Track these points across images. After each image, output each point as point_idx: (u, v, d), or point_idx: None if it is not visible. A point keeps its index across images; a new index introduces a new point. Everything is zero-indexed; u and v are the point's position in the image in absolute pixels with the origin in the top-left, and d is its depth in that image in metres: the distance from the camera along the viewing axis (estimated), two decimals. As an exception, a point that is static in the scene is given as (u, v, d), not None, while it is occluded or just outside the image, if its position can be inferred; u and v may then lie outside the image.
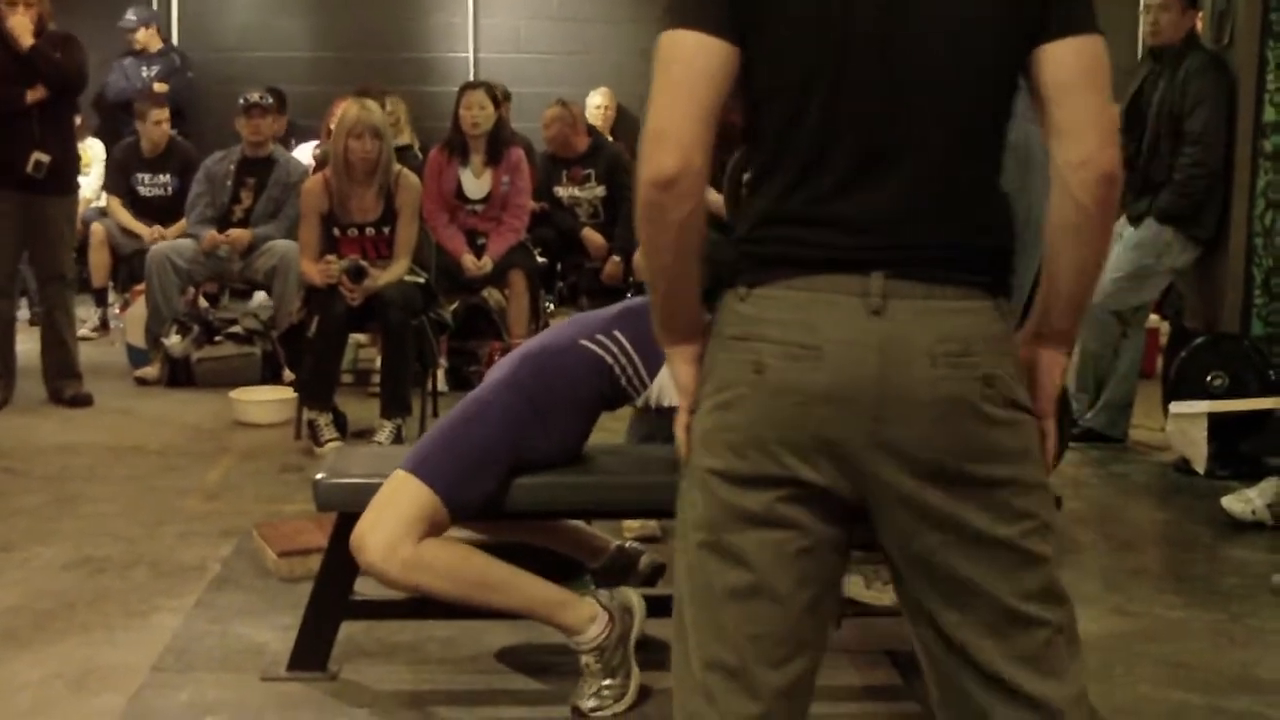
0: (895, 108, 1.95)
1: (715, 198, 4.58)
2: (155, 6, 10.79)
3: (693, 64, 1.95)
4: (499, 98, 7.84)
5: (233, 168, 7.78)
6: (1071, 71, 1.99)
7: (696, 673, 2.06)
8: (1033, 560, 2.01)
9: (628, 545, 3.85)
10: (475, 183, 7.64)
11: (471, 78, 10.91)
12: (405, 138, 8.28)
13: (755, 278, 1.97)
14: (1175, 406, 5.56)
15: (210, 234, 7.57)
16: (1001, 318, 2.00)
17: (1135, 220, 6.22)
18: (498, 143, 7.63)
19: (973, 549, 1.99)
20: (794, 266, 1.95)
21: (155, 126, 8.55)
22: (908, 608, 2.09)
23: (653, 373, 3.39)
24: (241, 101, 7.85)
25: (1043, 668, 2.02)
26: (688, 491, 2.06)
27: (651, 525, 4.50)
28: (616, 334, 3.40)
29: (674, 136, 1.94)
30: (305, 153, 8.79)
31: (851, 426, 1.93)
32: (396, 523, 3.20)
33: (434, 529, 3.24)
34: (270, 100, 7.86)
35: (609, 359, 3.38)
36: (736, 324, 1.98)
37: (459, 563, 3.25)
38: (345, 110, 6.30)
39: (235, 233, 7.58)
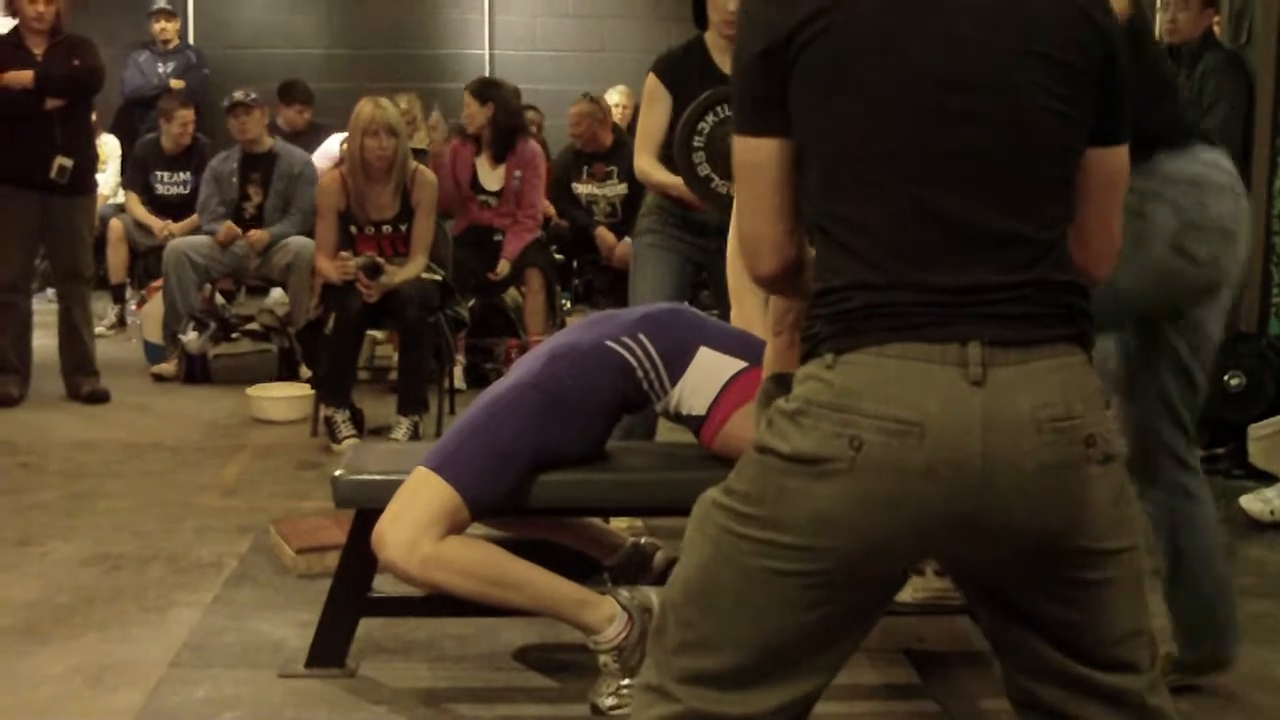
0: (974, 172, 1.96)
1: (669, 179, 4.57)
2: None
3: (756, 171, 2.08)
4: (492, 95, 7.78)
5: (236, 166, 7.82)
6: (1099, 179, 2.09)
7: (677, 674, 2.05)
8: (1126, 593, 2.04)
9: (643, 542, 3.84)
10: (490, 174, 7.65)
11: (487, 75, 10.92)
12: (421, 138, 8.27)
13: (843, 344, 1.94)
14: (1255, 430, 5.50)
15: (226, 224, 7.60)
16: (1092, 369, 2.01)
17: (1153, 218, 6.21)
18: (502, 138, 7.63)
19: (1069, 593, 2.01)
20: (885, 333, 1.92)
21: (182, 127, 8.57)
22: (991, 630, 2.15)
23: (674, 380, 3.38)
24: (226, 102, 7.91)
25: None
26: (738, 524, 1.99)
27: (638, 524, 4.48)
28: (641, 338, 3.38)
29: (766, 240, 2.10)
30: (334, 144, 8.77)
31: (954, 503, 1.90)
32: (417, 520, 3.19)
33: (455, 527, 3.23)
34: (254, 97, 7.83)
35: (633, 361, 3.36)
36: (825, 392, 1.92)
37: (479, 561, 3.25)
38: (360, 109, 6.30)
39: (254, 234, 7.60)
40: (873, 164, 1.96)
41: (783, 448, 1.94)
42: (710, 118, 4.28)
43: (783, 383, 2.11)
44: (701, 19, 4.69)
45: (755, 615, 1.99)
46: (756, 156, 2.07)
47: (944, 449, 1.88)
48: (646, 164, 4.72)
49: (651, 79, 4.74)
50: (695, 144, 4.34)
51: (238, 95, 7.82)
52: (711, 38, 4.64)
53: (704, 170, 4.32)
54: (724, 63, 4.50)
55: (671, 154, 4.50)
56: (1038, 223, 1.98)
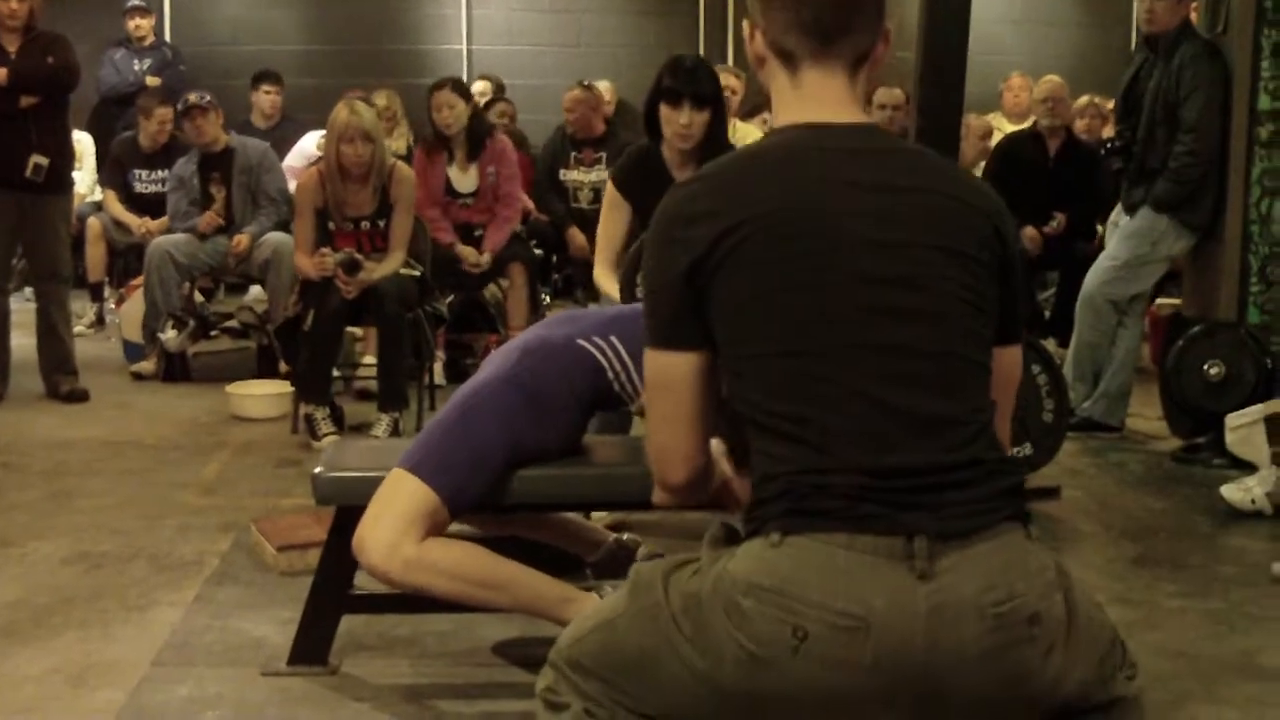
0: (906, 362, 2.01)
1: (616, 295, 4.59)
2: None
3: (673, 384, 2.13)
4: (470, 94, 7.80)
5: (195, 168, 7.80)
6: (998, 378, 2.15)
7: (594, 690, 2.12)
8: (1087, 649, 2.07)
9: (626, 538, 3.84)
10: (463, 177, 7.61)
11: (465, 70, 10.91)
12: (401, 134, 8.22)
13: (790, 525, 1.96)
14: (1232, 419, 5.53)
15: (207, 215, 7.59)
16: (1032, 540, 2.04)
17: (1131, 209, 6.23)
18: (476, 136, 7.60)
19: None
20: (833, 521, 1.94)
21: (160, 125, 8.54)
22: None
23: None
24: (180, 105, 7.90)
25: None
26: (681, 648, 2.03)
27: (618, 516, 4.49)
28: (613, 339, 3.37)
29: (676, 452, 2.16)
30: (310, 141, 8.75)
31: (894, 691, 1.93)
32: (396, 522, 3.17)
33: (435, 527, 3.21)
34: (208, 99, 7.80)
35: (603, 360, 3.35)
36: (768, 574, 1.94)
37: (461, 562, 3.22)
38: (336, 115, 6.25)
39: (238, 239, 7.57)
40: (809, 360, 2.00)
41: (726, 631, 1.97)
42: None
43: (730, 533, 2.13)
44: (654, 130, 4.71)
45: (680, 702, 2.05)
46: (672, 371, 2.11)
47: (888, 644, 1.90)
48: (601, 275, 4.82)
49: (610, 189, 4.87)
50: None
51: (192, 98, 7.80)
52: (666, 151, 4.69)
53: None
54: (680, 176, 4.57)
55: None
56: (969, 406, 2.04)
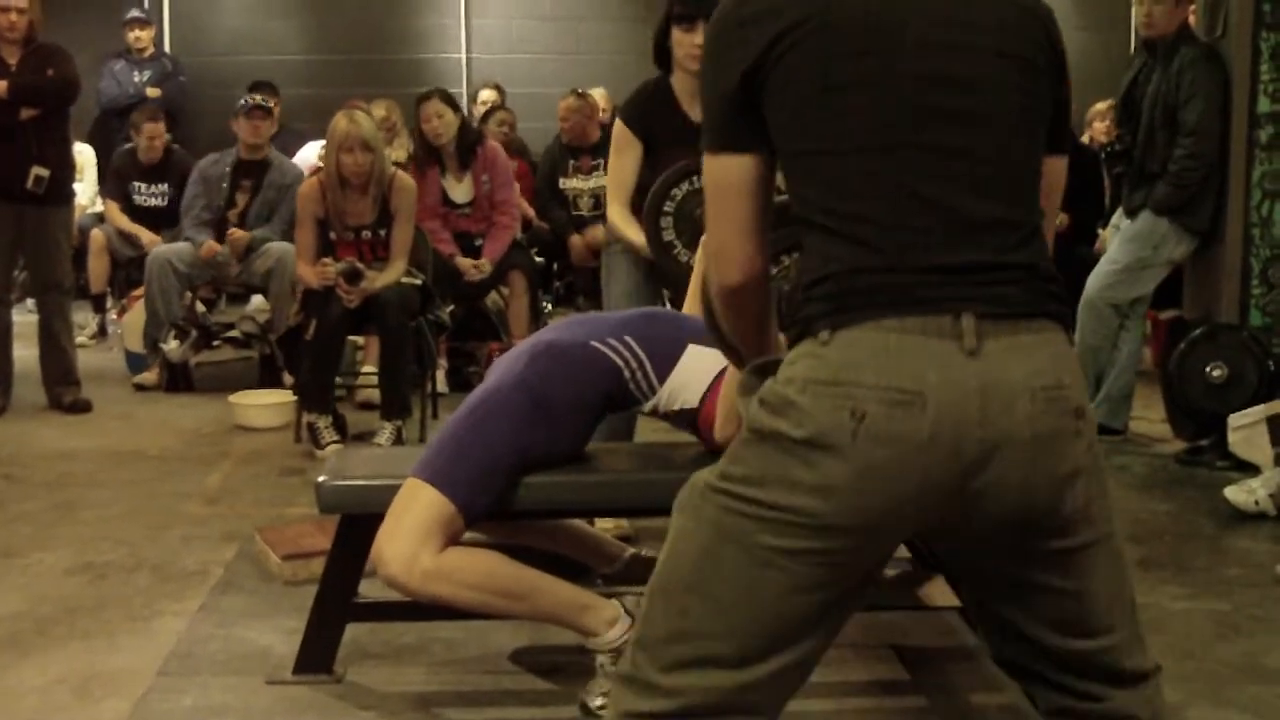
0: (962, 163, 2.02)
1: (637, 238, 4.53)
2: (147, 6, 10.75)
3: (731, 187, 2.12)
4: (456, 103, 7.81)
5: (228, 170, 7.78)
6: (1043, 188, 2.18)
7: (669, 662, 2.07)
8: (1098, 564, 2.10)
9: (644, 553, 3.81)
10: (458, 187, 7.61)
11: (464, 78, 10.91)
12: (402, 144, 8.24)
13: (838, 320, 1.98)
14: (1234, 420, 5.53)
15: (208, 243, 7.56)
16: (1073, 348, 2.08)
17: (1132, 213, 6.23)
18: (466, 146, 7.60)
19: (1044, 561, 2.07)
20: (880, 308, 1.96)
21: (149, 141, 8.54)
22: (972, 602, 2.26)
23: (662, 378, 3.37)
24: (242, 103, 7.87)
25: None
26: (741, 504, 2.02)
27: (624, 525, 4.48)
28: (627, 338, 3.37)
29: (731, 254, 2.15)
30: (313, 151, 8.76)
31: (950, 472, 1.94)
32: (413, 533, 3.15)
33: (452, 536, 3.19)
34: (270, 104, 7.83)
35: (620, 362, 3.35)
36: (822, 369, 1.96)
37: (482, 571, 3.21)
38: (335, 124, 6.26)
39: (235, 233, 7.58)
40: (866, 159, 2.01)
41: (781, 430, 1.98)
42: (685, 185, 4.28)
43: (763, 372, 2.12)
44: (663, 61, 4.66)
45: (757, 599, 2.02)
46: (729, 174, 2.12)
47: (945, 418, 1.92)
48: (617, 216, 4.69)
49: (619, 127, 4.74)
50: (665, 209, 4.34)
51: (256, 98, 7.82)
52: (678, 80, 4.60)
53: (669, 235, 4.33)
54: (691, 108, 4.51)
55: (642, 203, 4.48)
56: (1022, 209, 2.06)
